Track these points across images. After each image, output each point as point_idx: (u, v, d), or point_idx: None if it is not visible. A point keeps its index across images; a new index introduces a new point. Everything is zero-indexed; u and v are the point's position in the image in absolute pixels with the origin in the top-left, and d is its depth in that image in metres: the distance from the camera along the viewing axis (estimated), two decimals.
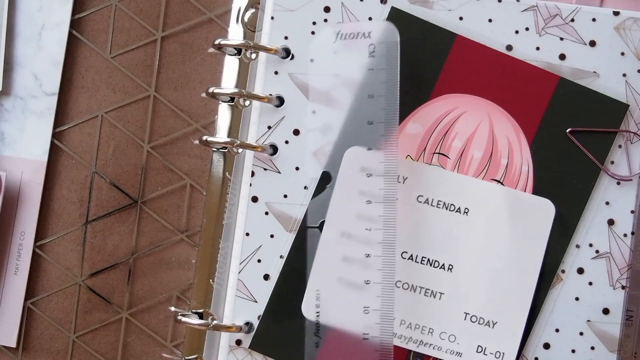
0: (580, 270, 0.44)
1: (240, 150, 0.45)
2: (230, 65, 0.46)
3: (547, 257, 0.44)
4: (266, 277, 0.44)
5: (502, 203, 0.43)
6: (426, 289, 0.44)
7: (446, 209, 0.44)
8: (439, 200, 0.44)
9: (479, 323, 0.43)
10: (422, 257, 0.44)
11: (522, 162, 0.44)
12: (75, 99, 0.48)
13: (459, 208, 0.44)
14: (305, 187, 0.44)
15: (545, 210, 0.43)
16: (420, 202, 0.44)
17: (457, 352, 0.43)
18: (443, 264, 0.44)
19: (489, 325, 0.43)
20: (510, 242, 0.43)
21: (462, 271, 0.43)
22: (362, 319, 0.42)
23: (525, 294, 0.43)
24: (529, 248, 0.43)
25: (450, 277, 0.43)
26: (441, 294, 0.43)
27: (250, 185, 0.44)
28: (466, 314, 0.43)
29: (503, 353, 0.43)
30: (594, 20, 0.44)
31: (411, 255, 0.44)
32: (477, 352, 0.43)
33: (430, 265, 0.44)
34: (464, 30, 0.44)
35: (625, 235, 0.44)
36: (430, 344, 0.43)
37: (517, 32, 0.44)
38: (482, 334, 0.43)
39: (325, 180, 0.44)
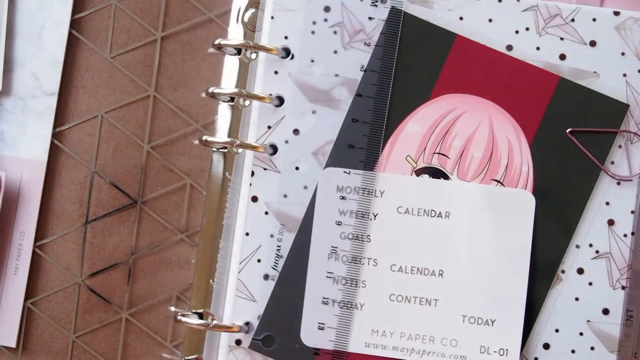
0: (580, 271, 0.44)
1: (240, 150, 0.45)
2: (230, 65, 0.46)
3: (547, 257, 0.44)
4: (266, 277, 0.44)
5: (480, 201, 0.43)
6: (420, 298, 0.43)
7: (427, 215, 0.44)
8: (419, 208, 0.44)
9: (477, 323, 0.43)
10: (412, 266, 0.44)
11: (522, 162, 0.44)
12: (75, 99, 0.48)
13: (439, 213, 0.44)
14: (305, 187, 0.44)
15: (525, 201, 0.43)
16: (401, 212, 0.44)
17: (461, 356, 0.43)
18: (433, 271, 0.43)
19: (488, 324, 0.43)
20: (496, 237, 0.43)
21: (453, 274, 0.43)
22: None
23: (519, 286, 0.43)
24: (515, 240, 0.43)
25: (442, 282, 0.43)
26: (436, 300, 0.43)
27: (250, 185, 0.44)
28: (464, 316, 0.43)
29: (507, 349, 0.43)
30: (594, 20, 0.44)
31: (400, 267, 0.44)
32: (480, 352, 0.43)
33: (421, 273, 0.44)
34: (464, 30, 0.44)
35: (625, 235, 0.44)
36: (433, 352, 0.43)
37: (517, 32, 0.44)
38: (483, 334, 0.43)
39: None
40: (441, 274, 0.43)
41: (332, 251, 0.44)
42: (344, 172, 0.44)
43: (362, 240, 0.44)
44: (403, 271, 0.44)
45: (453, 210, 0.44)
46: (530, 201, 0.43)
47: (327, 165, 0.44)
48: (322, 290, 0.44)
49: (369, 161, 0.44)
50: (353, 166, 0.44)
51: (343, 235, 0.44)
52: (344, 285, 0.44)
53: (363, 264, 0.44)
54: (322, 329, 0.43)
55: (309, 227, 0.44)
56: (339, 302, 0.43)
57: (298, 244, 0.44)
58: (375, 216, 0.44)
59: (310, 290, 0.44)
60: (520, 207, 0.43)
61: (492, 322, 0.43)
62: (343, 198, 0.44)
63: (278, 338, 0.44)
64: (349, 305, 0.43)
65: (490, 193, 0.44)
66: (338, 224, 0.44)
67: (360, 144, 0.44)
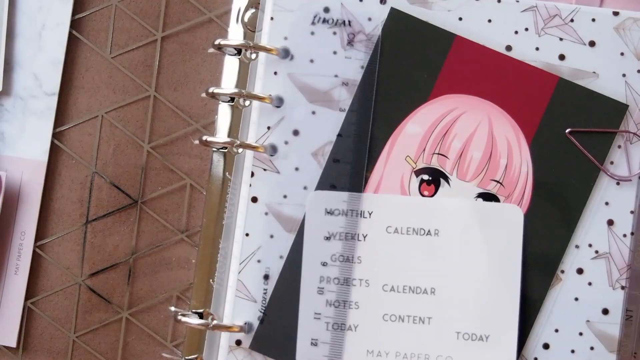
0: (580, 271, 0.44)
1: (240, 150, 0.45)
2: (230, 65, 0.46)
3: (546, 257, 0.44)
4: (266, 277, 0.44)
5: (469, 217, 0.43)
6: (414, 317, 0.43)
7: (416, 234, 0.44)
8: (408, 227, 0.44)
9: (472, 339, 0.43)
10: (404, 286, 0.44)
11: (522, 162, 0.44)
12: (75, 99, 0.48)
13: (429, 231, 0.44)
14: (304, 188, 0.44)
15: (513, 215, 0.43)
16: (390, 232, 0.44)
17: None
18: (425, 289, 0.43)
19: (482, 340, 0.43)
20: (486, 253, 0.43)
21: (444, 292, 0.43)
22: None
23: (511, 300, 0.43)
24: (505, 255, 0.43)
25: (435, 300, 0.43)
26: (429, 318, 0.43)
27: (250, 185, 0.44)
28: (457, 333, 0.43)
29: None
30: (593, 20, 0.44)
31: (392, 287, 0.44)
32: None
33: (413, 292, 0.43)
34: (464, 30, 0.44)
35: (624, 235, 0.44)
36: None
37: (516, 32, 0.44)
38: (478, 350, 0.43)
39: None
40: (433, 292, 0.43)
41: (323, 275, 0.44)
42: (332, 194, 0.44)
43: (352, 262, 0.44)
44: (395, 291, 0.44)
45: (442, 228, 0.44)
46: (519, 215, 0.43)
47: (319, 182, 0.44)
48: (313, 326, 0.43)
49: (356, 182, 0.44)
50: (340, 188, 0.44)
51: (333, 258, 0.44)
52: (337, 307, 0.44)
53: (355, 285, 0.44)
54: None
55: None
56: (332, 325, 0.43)
57: (298, 244, 0.44)
58: (364, 237, 0.44)
59: (302, 320, 0.43)
60: (509, 221, 0.43)
61: (486, 338, 0.43)
62: (331, 221, 0.44)
63: (278, 340, 0.44)
64: (342, 327, 0.43)
65: (479, 209, 0.43)
66: (327, 247, 0.44)
67: (347, 157, 0.44)
